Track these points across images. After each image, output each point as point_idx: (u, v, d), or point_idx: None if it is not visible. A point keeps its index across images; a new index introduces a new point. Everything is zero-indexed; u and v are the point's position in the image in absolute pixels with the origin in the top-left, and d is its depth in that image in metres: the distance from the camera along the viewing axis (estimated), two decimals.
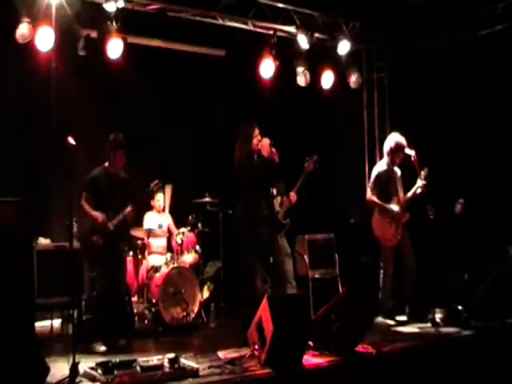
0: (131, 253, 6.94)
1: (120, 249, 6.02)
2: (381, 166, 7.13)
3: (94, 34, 6.29)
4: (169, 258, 7.08)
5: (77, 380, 4.51)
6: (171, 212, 7.65)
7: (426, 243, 6.93)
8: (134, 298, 6.79)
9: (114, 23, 6.12)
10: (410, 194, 6.89)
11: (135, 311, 6.64)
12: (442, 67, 7.78)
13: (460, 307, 6.50)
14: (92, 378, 4.57)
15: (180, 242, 7.23)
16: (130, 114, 7.41)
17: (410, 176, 6.93)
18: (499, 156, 7.52)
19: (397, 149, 6.94)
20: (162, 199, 7.51)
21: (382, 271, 6.91)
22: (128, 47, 6.33)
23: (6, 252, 4.89)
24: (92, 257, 5.85)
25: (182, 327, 6.62)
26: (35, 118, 6.95)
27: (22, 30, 5.82)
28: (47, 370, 4.47)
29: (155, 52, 7.67)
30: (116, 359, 4.70)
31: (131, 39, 6.60)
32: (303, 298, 5.34)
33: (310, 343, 5.39)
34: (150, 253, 7.22)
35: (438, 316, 6.49)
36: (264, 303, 4.96)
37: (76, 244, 5.62)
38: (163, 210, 7.60)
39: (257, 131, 6.18)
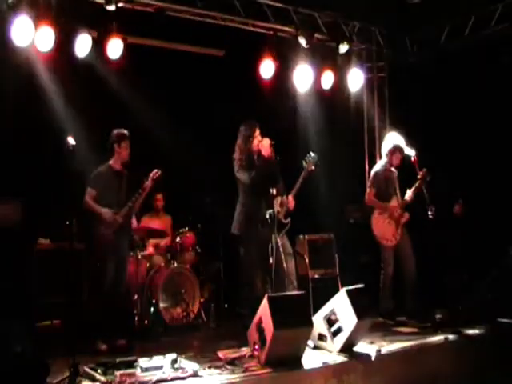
0: (131, 253, 6.94)
1: (123, 247, 6.04)
2: (379, 166, 7.15)
3: (93, 34, 6.28)
4: (169, 258, 7.08)
5: (77, 380, 4.52)
6: (171, 212, 7.65)
7: (425, 243, 6.93)
8: (134, 298, 6.78)
9: (114, 23, 6.12)
10: (407, 196, 6.91)
11: (135, 311, 6.64)
12: (442, 67, 7.78)
13: (460, 307, 6.50)
14: (92, 378, 4.57)
15: (180, 241, 7.23)
16: (130, 114, 7.40)
17: (409, 176, 6.93)
18: (499, 156, 7.51)
19: (395, 150, 6.97)
20: (161, 199, 7.52)
21: (382, 271, 6.91)
22: (128, 47, 6.33)
23: (7, 252, 4.90)
24: (98, 252, 5.86)
25: (182, 327, 6.62)
26: (35, 118, 6.95)
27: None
28: (47, 369, 4.47)
29: (155, 52, 7.67)
30: (116, 359, 4.71)
31: (131, 39, 6.59)
32: (303, 297, 5.33)
33: (310, 343, 5.41)
34: (150, 253, 7.22)
35: (438, 316, 6.49)
36: (264, 303, 4.97)
37: (76, 244, 5.63)
38: (163, 209, 7.61)
39: (257, 131, 6.18)
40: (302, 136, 8.22)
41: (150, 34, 7.44)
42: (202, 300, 6.99)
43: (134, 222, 7.14)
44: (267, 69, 7.12)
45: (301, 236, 7.41)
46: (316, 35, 7.41)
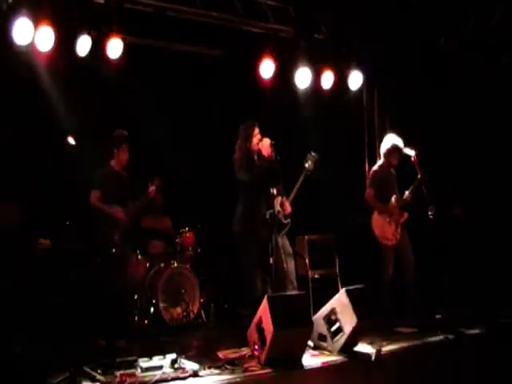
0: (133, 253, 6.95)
1: (126, 248, 6.06)
2: (378, 167, 7.17)
3: (93, 34, 6.28)
4: (169, 258, 7.08)
5: (77, 380, 4.52)
6: (171, 212, 7.65)
7: (425, 243, 6.93)
8: (134, 298, 6.78)
9: (114, 23, 6.12)
10: (406, 196, 6.92)
11: (135, 311, 6.64)
12: (442, 67, 7.77)
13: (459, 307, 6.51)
14: (92, 378, 4.57)
15: (180, 241, 7.23)
16: (130, 114, 7.39)
17: (409, 176, 6.93)
18: (499, 157, 7.52)
19: (393, 150, 6.99)
20: (161, 199, 7.51)
21: (382, 271, 6.91)
22: (128, 47, 6.33)
23: (7, 252, 4.91)
24: (108, 256, 5.88)
25: (181, 327, 6.62)
26: (35, 118, 6.95)
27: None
28: (48, 369, 4.47)
29: (155, 52, 7.66)
30: (116, 359, 4.71)
31: (131, 39, 6.60)
32: (303, 297, 5.33)
33: (310, 343, 5.41)
34: (150, 253, 7.22)
35: (438, 316, 6.49)
36: (264, 303, 4.97)
37: (77, 244, 5.64)
38: (162, 210, 7.60)
39: (257, 131, 6.18)
40: (301, 136, 8.21)
41: (150, 34, 7.44)
42: (201, 300, 6.99)
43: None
44: (267, 69, 7.12)
45: (301, 236, 7.41)
46: (316, 35, 7.41)
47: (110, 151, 6.03)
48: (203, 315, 7.00)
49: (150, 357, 4.71)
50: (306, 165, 6.32)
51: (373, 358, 5.28)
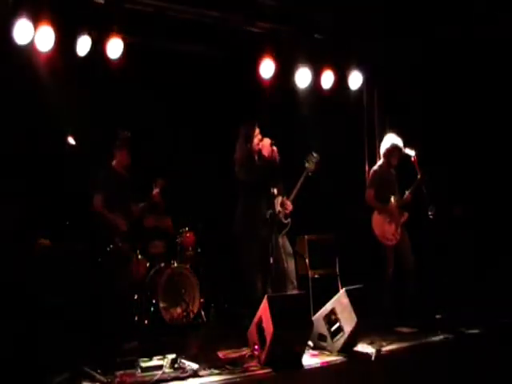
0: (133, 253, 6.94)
1: (128, 248, 6.07)
2: (378, 167, 7.17)
3: (93, 34, 6.28)
4: (169, 258, 7.07)
5: (77, 380, 4.52)
6: (171, 212, 7.64)
7: (425, 243, 6.93)
8: (134, 298, 6.77)
9: (114, 23, 6.13)
10: (406, 196, 6.92)
11: (135, 311, 6.64)
12: (442, 67, 7.78)
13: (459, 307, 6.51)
14: (92, 378, 4.57)
15: (180, 241, 7.23)
16: (130, 113, 7.39)
17: (409, 176, 6.93)
18: (499, 157, 7.51)
19: (393, 150, 7.00)
20: (161, 199, 7.50)
21: (382, 271, 6.90)
22: (128, 47, 6.33)
23: (7, 252, 4.90)
24: (112, 261, 5.88)
25: (182, 327, 6.62)
26: (35, 118, 6.94)
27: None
28: (48, 369, 4.47)
29: (155, 52, 7.66)
30: (116, 359, 4.71)
31: (131, 39, 6.59)
32: (303, 297, 5.34)
33: (310, 343, 5.41)
34: (151, 253, 7.21)
35: (438, 316, 6.49)
36: (264, 303, 4.97)
37: (76, 244, 5.64)
38: (163, 210, 7.60)
39: (257, 131, 6.19)
40: (301, 136, 8.20)
41: (150, 33, 7.43)
42: (201, 300, 6.98)
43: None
44: (267, 69, 7.12)
45: (301, 236, 7.41)
46: (316, 35, 7.41)
47: (111, 152, 6.02)
48: (203, 315, 7.00)
49: (150, 357, 4.72)
50: (307, 165, 6.33)
51: (373, 357, 5.28)
